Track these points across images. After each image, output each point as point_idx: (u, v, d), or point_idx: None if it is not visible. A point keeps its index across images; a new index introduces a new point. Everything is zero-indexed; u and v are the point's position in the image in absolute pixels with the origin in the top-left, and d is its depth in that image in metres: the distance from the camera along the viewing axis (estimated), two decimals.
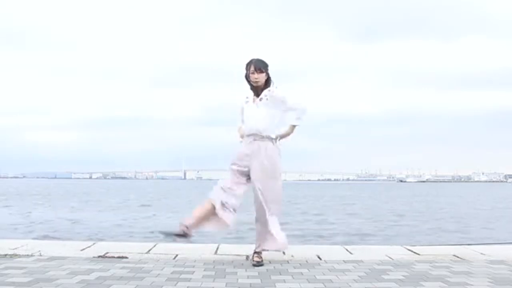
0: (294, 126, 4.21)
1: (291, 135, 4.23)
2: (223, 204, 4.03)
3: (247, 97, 4.26)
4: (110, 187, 73.21)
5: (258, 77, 4.12)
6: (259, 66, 4.13)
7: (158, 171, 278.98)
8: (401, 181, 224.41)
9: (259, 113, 4.11)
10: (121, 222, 17.67)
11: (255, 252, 4.09)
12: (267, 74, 4.17)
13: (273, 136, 4.13)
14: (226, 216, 4.04)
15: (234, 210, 4.08)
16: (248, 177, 4.12)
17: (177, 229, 4.01)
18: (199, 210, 4.11)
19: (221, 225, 4.10)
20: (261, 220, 4.11)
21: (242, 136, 4.26)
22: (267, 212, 4.07)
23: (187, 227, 4.01)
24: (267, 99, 4.12)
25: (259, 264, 3.96)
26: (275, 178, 4.11)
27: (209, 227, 4.13)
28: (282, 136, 4.20)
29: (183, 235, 4.01)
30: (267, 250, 4.12)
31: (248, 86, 4.23)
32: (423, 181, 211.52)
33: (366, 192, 60.06)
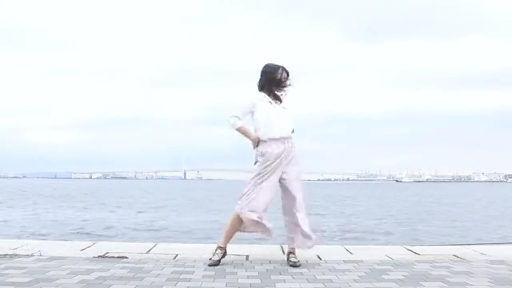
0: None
1: None
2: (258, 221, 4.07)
3: (266, 98, 4.14)
4: (115, 188, 73.06)
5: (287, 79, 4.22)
6: (287, 71, 4.20)
7: (158, 171, 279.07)
8: (397, 181, 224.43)
9: (288, 118, 4.18)
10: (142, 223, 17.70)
11: (290, 252, 4.11)
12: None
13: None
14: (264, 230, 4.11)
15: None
16: (275, 177, 4.10)
17: (215, 258, 4.00)
18: (229, 230, 4.13)
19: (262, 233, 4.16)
20: (293, 217, 4.10)
21: (255, 139, 4.11)
22: (302, 208, 4.11)
23: (222, 248, 4.07)
24: (283, 108, 4.19)
25: (295, 264, 3.94)
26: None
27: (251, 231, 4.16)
28: None
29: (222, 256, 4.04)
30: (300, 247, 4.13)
31: (260, 88, 4.20)
32: (419, 181, 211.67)
33: (362, 192, 60.06)
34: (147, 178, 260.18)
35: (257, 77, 4.23)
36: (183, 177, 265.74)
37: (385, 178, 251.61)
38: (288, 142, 4.14)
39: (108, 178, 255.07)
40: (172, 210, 24.85)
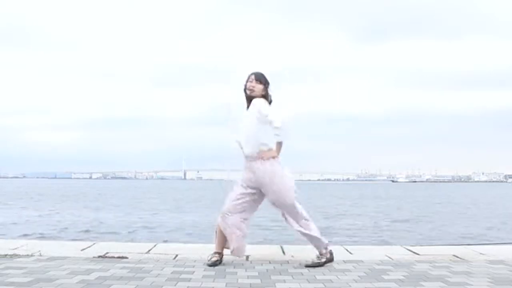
0: (279, 142, 3.99)
1: (279, 151, 4.02)
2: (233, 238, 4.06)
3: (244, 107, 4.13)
4: (117, 188, 72.95)
5: (255, 86, 4.02)
6: (258, 77, 4.06)
7: (158, 171, 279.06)
8: (393, 181, 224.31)
9: (246, 126, 4.01)
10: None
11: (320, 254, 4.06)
12: (265, 90, 4.05)
13: (263, 149, 3.97)
14: (238, 247, 4.04)
15: (244, 235, 4.09)
16: (256, 192, 4.05)
17: (213, 259, 3.99)
18: (219, 236, 4.11)
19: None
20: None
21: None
22: (296, 219, 4.04)
23: (218, 253, 4.05)
24: (247, 108, 4.07)
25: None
26: (286, 191, 3.97)
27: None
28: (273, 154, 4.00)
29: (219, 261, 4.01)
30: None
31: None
32: (415, 182, 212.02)
33: (358, 192, 60.10)
34: (147, 178, 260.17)
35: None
36: (183, 177, 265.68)
37: (385, 178, 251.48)
38: (252, 162, 3.97)
39: (108, 178, 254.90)
40: (172, 210, 24.85)
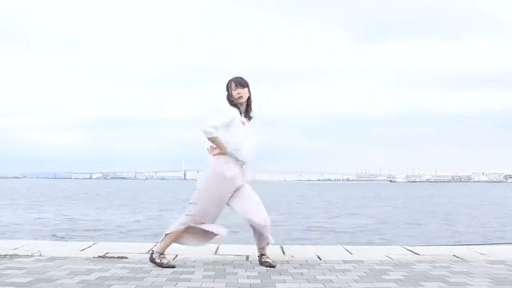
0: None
1: None
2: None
3: (239, 117, 4.03)
4: (119, 189, 72.97)
5: (241, 91, 3.98)
6: (239, 81, 4.02)
7: (158, 171, 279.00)
8: (391, 181, 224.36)
9: (254, 142, 4.07)
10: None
11: (262, 254, 4.09)
12: (249, 92, 4.05)
13: None
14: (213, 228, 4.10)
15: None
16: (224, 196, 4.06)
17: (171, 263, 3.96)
18: (171, 241, 4.09)
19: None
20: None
21: (224, 153, 3.97)
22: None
23: (161, 254, 3.97)
24: (252, 124, 4.10)
25: (272, 265, 3.94)
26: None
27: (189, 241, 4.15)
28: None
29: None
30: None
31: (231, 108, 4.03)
32: (413, 182, 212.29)
33: (357, 192, 60.11)
34: (147, 178, 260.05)
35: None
36: (183, 177, 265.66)
37: (385, 178, 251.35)
38: (245, 166, 4.07)
39: (108, 178, 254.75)
40: (172, 210, 24.84)
